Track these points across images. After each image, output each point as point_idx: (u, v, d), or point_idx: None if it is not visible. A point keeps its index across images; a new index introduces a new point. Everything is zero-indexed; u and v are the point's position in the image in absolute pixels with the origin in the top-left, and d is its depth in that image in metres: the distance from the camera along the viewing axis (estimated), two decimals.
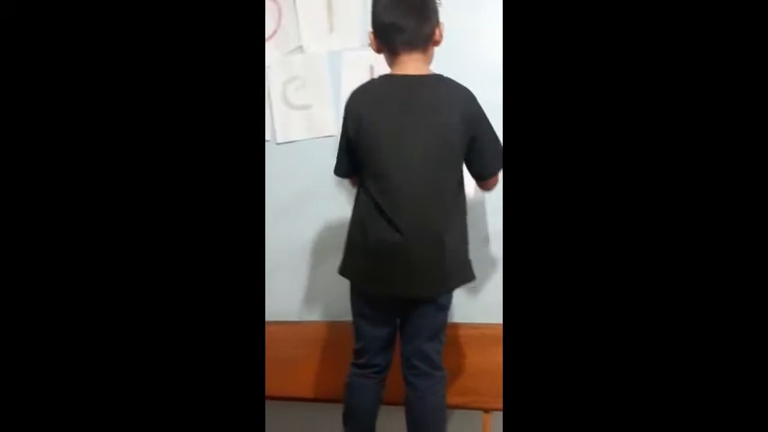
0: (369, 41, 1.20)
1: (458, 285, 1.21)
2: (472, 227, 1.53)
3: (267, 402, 1.58)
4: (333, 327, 1.58)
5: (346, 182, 1.58)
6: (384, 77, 1.18)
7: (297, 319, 1.62)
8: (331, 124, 1.59)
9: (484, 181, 1.21)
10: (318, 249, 1.62)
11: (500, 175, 1.20)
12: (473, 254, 1.47)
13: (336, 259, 1.62)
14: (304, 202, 1.62)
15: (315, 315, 1.62)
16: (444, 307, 1.21)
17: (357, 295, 1.22)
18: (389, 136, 1.11)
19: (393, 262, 1.12)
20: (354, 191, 1.26)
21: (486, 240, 1.48)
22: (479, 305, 1.47)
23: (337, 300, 1.60)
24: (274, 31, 1.61)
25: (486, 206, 1.47)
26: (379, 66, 1.53)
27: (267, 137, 1.64)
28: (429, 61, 1.20)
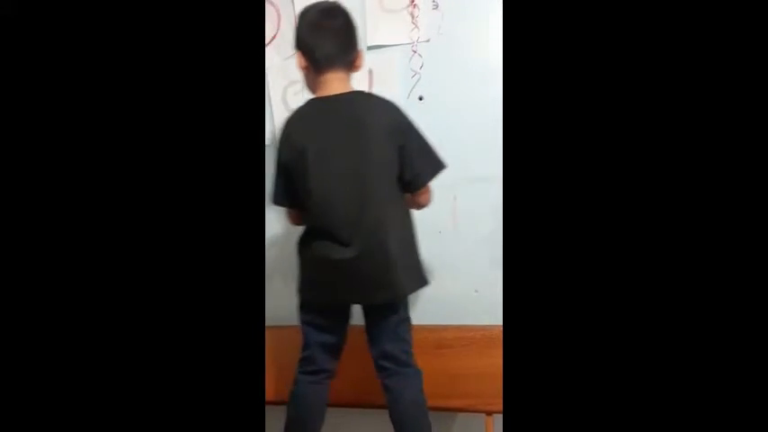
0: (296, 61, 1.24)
1: (410, 292, 1.24)
2: (472, 227, 1.53)
3: (278, 408, 1.59)
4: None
5: None
6: (310, 101, 1.22)
7: (292, 324, 1.62)
8: None
9: (416, 192, 1.22)
10: None
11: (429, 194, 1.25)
12: (472, 254, 1.48)
13: None
14: None
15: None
16: (398, 309, 1.24)
17: (306, 305, 1.27)
18: (320, 157, 1.15)
19: (342, 275, 1.17)
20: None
21: (486, 241, 1.48)
22: (481, 307, 1.47)
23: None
24: (274, 36, 1.62)
25: (485, 207, 1.47)
26: (378, 70, 1.55)
27: (267, 141, 1.65)
28: (350, 80, 1.24)
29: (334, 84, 1.19)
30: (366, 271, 1.15)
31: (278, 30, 1.61)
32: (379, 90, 1.55)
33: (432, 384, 1.29)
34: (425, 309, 1.46)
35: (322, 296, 1.24)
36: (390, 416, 1.25)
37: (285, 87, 1.63)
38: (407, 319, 1.28)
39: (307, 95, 1.60)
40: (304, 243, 1.25)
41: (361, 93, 1.22)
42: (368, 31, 1.54)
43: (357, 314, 1.58)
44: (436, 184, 1.26)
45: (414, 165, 1.18)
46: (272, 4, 1.61)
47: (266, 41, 1.63)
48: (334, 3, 1.24)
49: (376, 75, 1.56)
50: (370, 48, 1.55)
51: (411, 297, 1.28)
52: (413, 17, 1.53)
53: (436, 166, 1.20)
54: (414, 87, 1.54)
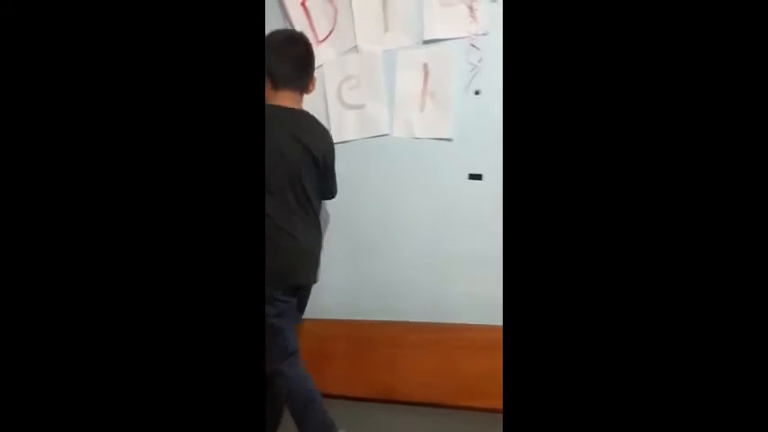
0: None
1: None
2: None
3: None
4: (379, 325, 1.58)
5: (398, 180, 1.57)
6: (269, 106, 1.37)
7: (345, 317, 1.63)
8: (384, 123, 1.59)
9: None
10: (371, 246, 1.62)
11: None
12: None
13: (388, 257, 1.62)
14: (358, 201, 1.63)
15: (362, 313, 1.61)
16: None
17: (275, 297, 1.33)
18: (274, 155, 1.30)
19: (297, 260, 1.38)
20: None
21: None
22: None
23: (381, 298, 1.60)
24: (330, 32, 1.63)
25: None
26: (434, 64, 1.52)
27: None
28: (301, 101, 1.43)
29: (287, 100, 1.39)
30: (310, 256, 1.41)
31: (334, 25, 1.62)
32: (435, 85, 1.53)
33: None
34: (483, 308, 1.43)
35: (297, 280, 1.39)
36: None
37: (340, 83, 1.63)
38: None
39: (361, 91, 1.61)
40: (268, 237, 1.30)
41: (307, 113, 1.43)
42: (425, 25, 1.52)
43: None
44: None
45: (330, 183, 1.46)
46: (329, 1, 1.62)
47: (323, 37, 1.64)
48: (298, 32, 1.47)
49: (432, 69, 1.54)
50: (426, 42, 1.53)
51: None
52: (471, 10, 1.49)
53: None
54: (471, 81, 1.50)
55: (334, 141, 1.63)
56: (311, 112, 1.67)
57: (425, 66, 1.54)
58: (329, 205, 1.65)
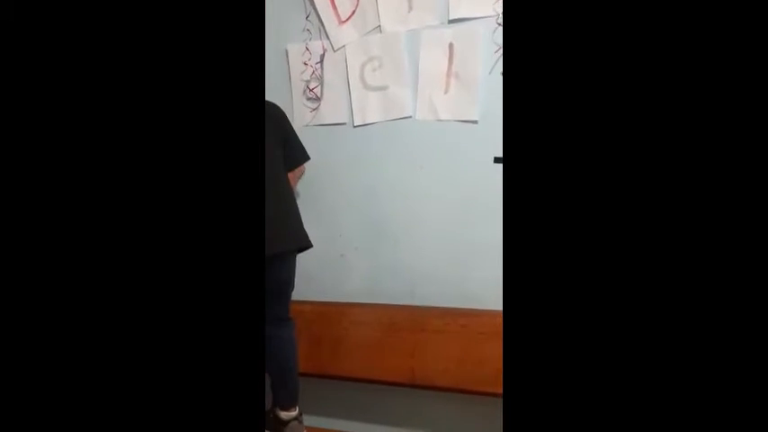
0: None
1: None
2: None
3: (336, 383, 1.62)
4: (403, 310, 1.57)
5: (422, 160, 1.55)
6: None
7: (369, 301, 1.62)
8: (407, 105, 1.56)
9: (292, 170, 1.57)
10: (395, 231, 1.61)
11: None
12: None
13: (412, 242, 1.61)
14: (380, 183, 1.61)
15: (386, 298, 1.61)
16: None
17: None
18: None
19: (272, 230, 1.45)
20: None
21: None
22: None
23: (404, 283, 1.59)
24: (353, 12, 1.59)
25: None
26: (459, 44, 1.48)
27: (344, 120, 1.64)
28: None
29: None
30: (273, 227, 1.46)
31: (357, 5, 1.58)
32: (460, 65, 1.49)
33: None
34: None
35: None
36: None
37: (363, 64, 1.60)
38: None
39: (383, 72, 1.58)
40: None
41: None
42: (450, 4, 1.48)
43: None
44: None
45: (295, 151, 1.56)
46: None
47: (345, 18, 1.61)
48: None
49: (457, 49, 1.50)
50: (451, 21, 1.49)
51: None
52: None
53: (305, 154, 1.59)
54: (497, 62, 1.46)
55: (357, 124, 1.62)
56: (333, 94, 1.65)
57: (450, 46, 1.49)
58: (351, 189, 1.64)
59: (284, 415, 1.50)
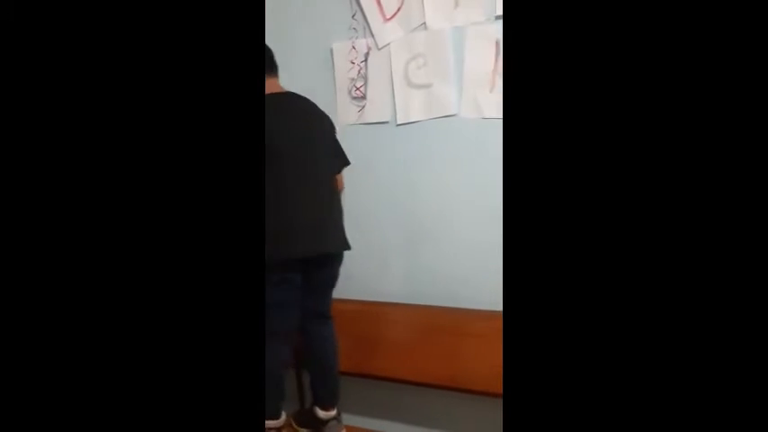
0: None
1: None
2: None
3: (375, 382, 1.61)
4: (443, 312, 1.54)
5: (465, 160, 1.52)
6: (268, 95, 1.41)
7: (408, 302, 1.61)
8: (452, 103, 1.53)
9: (339, 173, 1.58)
10: (436, 231, 1.58)
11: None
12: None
13: (453, 243, 1.58)
14: (422, 183, 1.59)
15: (426, 299, 1.59)
16: None
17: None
18: (287, 135, 1.41)
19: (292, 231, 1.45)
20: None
21: None
22: None
23: (445, 285, 1.56)
24: (398, 9, 1.58)
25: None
26: None
27: (387, 118, 1.63)
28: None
29: (276, 86, 1.46)
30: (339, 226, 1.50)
31: (402, 2, 1.57)
32: None
33: None
34: None
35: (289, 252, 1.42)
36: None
37: (408, 61, 1.58)
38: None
39: (428, 70, 1.55)
40: None
41: (295, 93, 1.48)
42: None
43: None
44: None
45: (340, 153, 1.55)
46: None
47: (390, 15, 1.59)
48: None
49: (502, 47, 1.45)
50: (498, 17, 1.45)
51: None
52: None
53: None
54: None
55: (400, 122, 1.61)
56: (377, 93, 1.64)
57: (497, 43, 1.46)
58: (392, 188, 1.63)
59: (323, 414, 1.50)
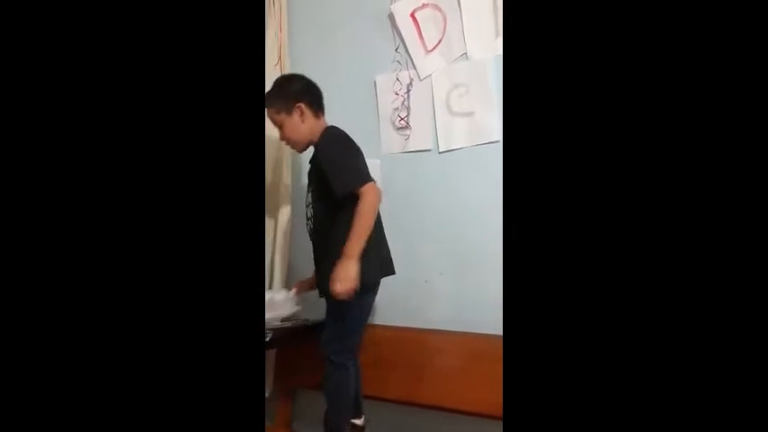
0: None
1: None
2: None
3: (417, 410, 1.58)
4: (488, 339, 1.52)
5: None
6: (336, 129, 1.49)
7: (453, 329, 1.59)
8: (495, 130, 1.54)
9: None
10: (479, 258, 1.58)
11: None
12: None
13: (497, 270, 1.56)
14: (466, 209, 1.59)
15: (470, 326, 1.57)
16: None
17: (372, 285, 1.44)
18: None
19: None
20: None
21: None
22: None
23: (493, 312, 1.54)
24: (439, 41, 1.62)
25: None
26: None
27: (429, 146, 1.65)
28: None
29: (324, 125, 1.50)
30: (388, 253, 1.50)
31: (444, 34, 1.61)
32: None
33: None
34: None
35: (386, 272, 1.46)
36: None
37: (449, 90, 1.61)
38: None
39: (470, 98, 1.57)
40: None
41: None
42: None
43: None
44: None
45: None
46: (438, 9, 1.61)
47: (432, 47, 1.64)
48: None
49: None
50: None
51: None
52: None
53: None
54: None
55: (442, 150, 1.62)
56: (419, 122, 1.67)
57: None
58: (435, 214, 1.63)
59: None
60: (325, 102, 1.52)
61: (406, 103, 1.69)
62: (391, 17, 1.68)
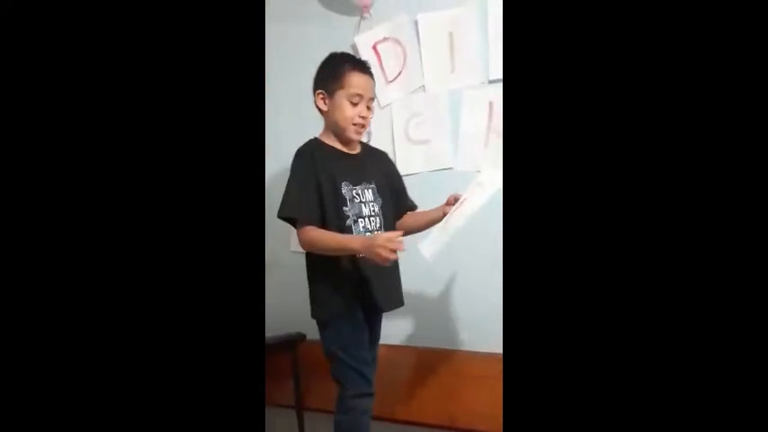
0: None
1: None
2: None
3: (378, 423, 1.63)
4: (437, 353, 1.60)
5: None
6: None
7: (404, 344, 1.66)
8: (448, 157, 1.66)
9: None
10: (431, 276, 1.67)
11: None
12: None
13: (451, 289, 1.65)
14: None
15: (423, 341, 1.65)
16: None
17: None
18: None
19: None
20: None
21: None
22: None
23: (443, 328, 1.63)
24: (399, 73, 1.73)
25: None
26: (499, 102, 1.59)
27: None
28: (326, 128, 1.37)
29: None
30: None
31: (403, 66, 1.72)
32: (500, 122, 1.59)
33: None
34: None
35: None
36: None
37: (408, 119, 1.73)
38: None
39: (426, 127, 1.69)
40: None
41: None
42: (490, 65, 1.59)
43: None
44: None
45: None
46: (399, 43, 1.73)
47: (392, 78, 1.75)
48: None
49: (497, 107, 1.60)
50: (491, 81, 1.60)
51: None
52: None
53: None
54: None
55: (402, 173, 1.71)
56: (380, 147, 1.76)
57: (491, 104, 1.60)
58: None
59: None
60: (295, 126, 1.58)
61: (368, 129, 1.78)
62: (354, 48, 1.78)
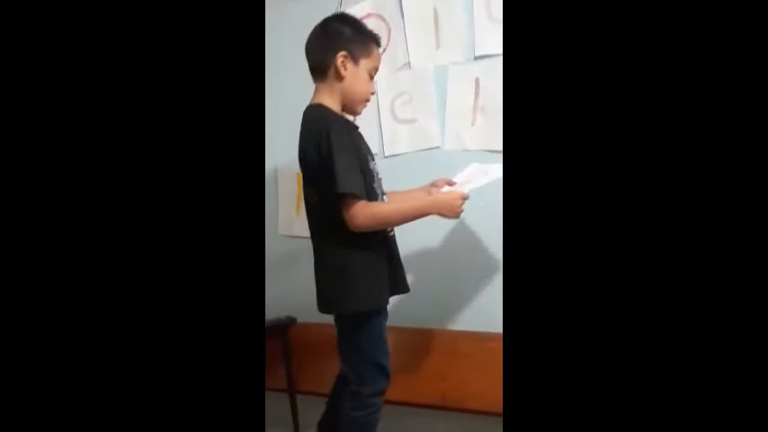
0: None
1: None
2: None
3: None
4: (427, 333, 1.61)
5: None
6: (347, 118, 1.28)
7: (395, 324, 1.66)
8: (435, 136, 1.64)
9: None
10: (422, 259, 1.66)
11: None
12: None
13: (441, 269, 1.65)
14: None
15: (406, 321, 1.65)
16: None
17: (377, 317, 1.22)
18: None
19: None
20: None
21: None
22: None
23: (433, 307, 1.63)
24: (384, 50, 1.69)
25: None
26: (486, 78, 1.56)
27: (375, 151, 1.71)
28: (332, 93, 1.23)
29: (315, 94, 1.30)
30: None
31: (388, 43, 1.69)
32: (486, 99, 1.56)
33: None
34: None
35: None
36: None
37: (393, 98, 1.69)
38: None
39: (413, 106, 1.66)
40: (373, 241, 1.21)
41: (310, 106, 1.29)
42: (476, 41, 1.56)
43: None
44: None
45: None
46: (383, 20, 1.69)
47: None
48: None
49: (483, 84, 1.58)
50: (477, 57, 1.57)
51: None
52: None
53: None
54: None
55: (387, 154, 1.70)
56: (366, 127, 1.73)
57: (477, 81, 1.58)
58: None
59: None
60: (276, 106, 1.55)
61: None
62: None
